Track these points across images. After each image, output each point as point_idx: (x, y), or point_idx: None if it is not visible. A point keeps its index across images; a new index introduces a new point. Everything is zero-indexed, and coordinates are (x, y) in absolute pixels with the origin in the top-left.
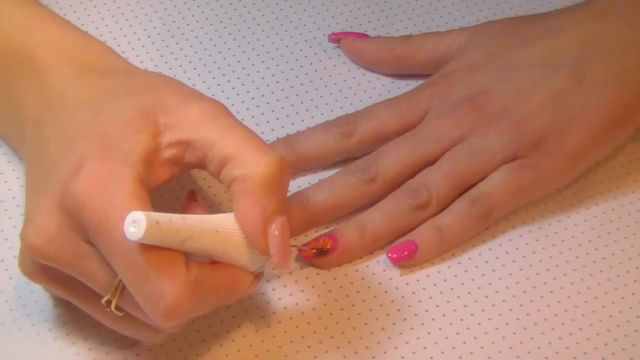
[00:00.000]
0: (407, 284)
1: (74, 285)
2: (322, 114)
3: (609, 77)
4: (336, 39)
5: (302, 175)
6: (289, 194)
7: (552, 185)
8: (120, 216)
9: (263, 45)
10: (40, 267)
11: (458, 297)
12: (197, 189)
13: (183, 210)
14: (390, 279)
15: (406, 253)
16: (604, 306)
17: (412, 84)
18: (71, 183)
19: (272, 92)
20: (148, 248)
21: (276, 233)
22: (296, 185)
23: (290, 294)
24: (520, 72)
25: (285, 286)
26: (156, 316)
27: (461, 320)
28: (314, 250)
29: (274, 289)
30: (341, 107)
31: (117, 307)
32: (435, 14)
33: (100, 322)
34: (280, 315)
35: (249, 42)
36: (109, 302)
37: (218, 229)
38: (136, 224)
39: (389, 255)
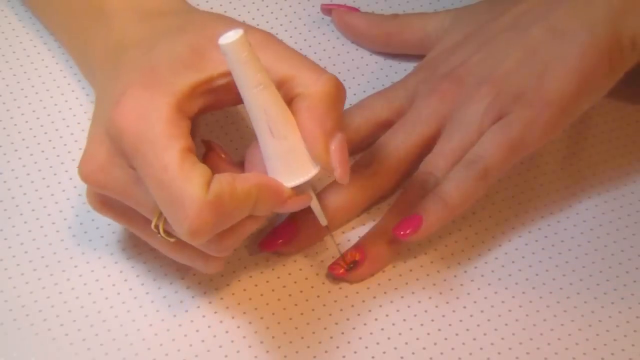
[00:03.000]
0: (406, 283)
1: (131, 215)
2: None
3: (579, 25)
4: (327, 10)
5: None
6: None
7: (544, 135)
8: (154, 139)
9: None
10: (101, 198)
11: (457, 298)
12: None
13: (202, 159)
14: (389, 279)
15: (412, 228)
16: (603, 307)
17: (400, 71)
18: (113, 109)
19: None
20: (174, 167)
21: (337, 146)
22: None
23: (290, 295)
24: (493, 40)
25: (284, 287)
26: (183, 236)
27: (460, 321)
28: (345, 267)
29: (273, 290)
30: None
31: (167, 233)
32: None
33: (158, 249)
34: (279, 316)
35: None
36: (157, 227)
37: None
38: (237, 32)
39: (395, 232)
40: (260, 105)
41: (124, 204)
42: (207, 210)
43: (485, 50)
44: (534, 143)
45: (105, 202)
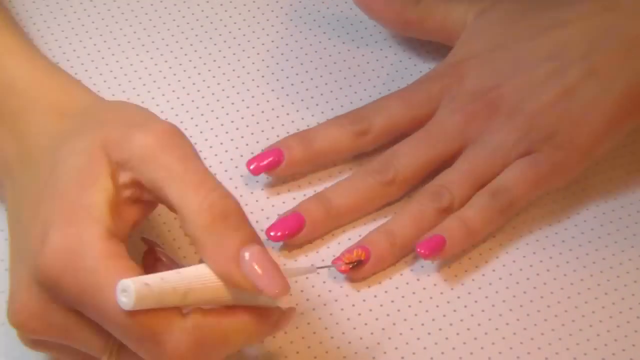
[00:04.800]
0: (407, 283)
1: (70, 350)
2: (322, 112)
3: (620, 70)
4: None
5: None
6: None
7: (568, 176)
8: (99, 281)
9: (263, 44)
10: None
11: (458, 297)
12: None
13: (146, 270)
14: (390, 279)
15: (435, 248)
16: (604, 307)
17: (415, 72)
18: (39, 257)
19: (272, 90)
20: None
21: (251, 265)
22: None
23: (290, 295)
24: (531, 65)
25: None
26: None
27: (461, 320)
28: (349, 264)
29: None
30: (342, 106)
31: None
32: None
33: None
34: None
35: (249, 41)
36: None
37: None
38: (126, 292)
39: (419, 250)
40: (201, 302)
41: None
42: (187, 344)
43: (521, 77)
44: (557, 183)
45: (39, 341)
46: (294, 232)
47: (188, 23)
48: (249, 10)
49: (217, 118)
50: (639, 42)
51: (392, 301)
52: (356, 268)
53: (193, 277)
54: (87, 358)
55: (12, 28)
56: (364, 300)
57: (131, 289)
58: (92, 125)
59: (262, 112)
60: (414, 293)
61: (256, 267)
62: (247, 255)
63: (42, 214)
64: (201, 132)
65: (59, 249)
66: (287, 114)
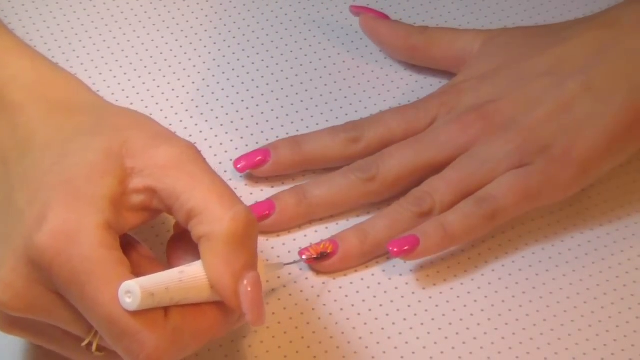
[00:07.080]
0: (406, 283)
1: (49, 332)
2: (321, 113)
3: (618, 85)
4: (357, 12)
5: (302, 175)
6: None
7: (562, 192)
8: (91, 269)
9: (263, 44)
10: (11, 318)
11: (458, 297)
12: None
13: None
14: (389, 279)
15: (407, 247)
16: (603, 307)
17: (418, 89)
18: (35, 235)
19: (272, 91)
20: None
21: (248, 289)
22: (295, 185)
23: (290, 294)
24: (528, 81)
25: (284, 286)
26: None
27: (461, 320)
28: (314, 255)
29: (273, 290)
30: (341, 107)
31: (99, 347)
32: (435, 12)
33: None
34: (279, 316)
35: (248, 41)
36: (89, 344)
37: None
38: (130, 294)
39: (390, 248)
40: (188, 303)
41: (41, 323)
42: (167, 343)
43: (518, 91)
44: (550, 198)
45: (17, 322)
46: (260, 217)
47: (187, 21)
48: (248, 10)
49: (216, 118)
50: (638, 57)
51: (392, 301)
52: (322, 260)
53: (192, 287)
54: (63, 342)
55: (11, 32)
56: (364, 301)
57: (137, 295)
58: (109, 127)
59: (262, 113)
60: (413, 293)
61: (250, 293)
62: (246, 279)
63: (41, 197)
64: (201, 132)
65: (56, 231)
66: (287, 114)
